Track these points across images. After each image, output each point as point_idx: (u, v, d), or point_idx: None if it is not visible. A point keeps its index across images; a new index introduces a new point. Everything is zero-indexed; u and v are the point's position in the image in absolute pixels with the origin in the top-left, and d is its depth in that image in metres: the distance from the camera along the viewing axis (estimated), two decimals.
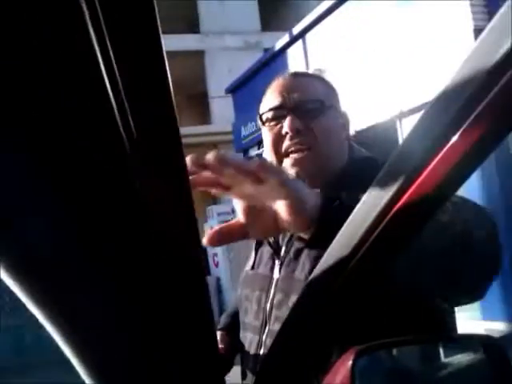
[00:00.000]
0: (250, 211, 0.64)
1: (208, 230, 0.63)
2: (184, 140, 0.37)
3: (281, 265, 0.90)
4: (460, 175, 0.39)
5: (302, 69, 4.44)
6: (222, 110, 11.63)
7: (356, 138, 1.01)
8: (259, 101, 0.99)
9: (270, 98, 0.95)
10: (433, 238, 0.57)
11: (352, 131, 1.00)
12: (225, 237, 0.63)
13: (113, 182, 0.35)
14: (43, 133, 0.32)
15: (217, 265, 7.52)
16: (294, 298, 0.80)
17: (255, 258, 0.99)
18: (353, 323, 0.51)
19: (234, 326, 1.07)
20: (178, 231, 0.39)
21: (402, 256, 0.46)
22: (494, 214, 0.74)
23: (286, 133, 0.90)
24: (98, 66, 0.31)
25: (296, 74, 0.99)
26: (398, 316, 0.70)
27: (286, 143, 0.91)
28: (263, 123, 0.95)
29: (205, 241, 0.59)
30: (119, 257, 0.37)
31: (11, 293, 0.36)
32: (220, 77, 11.81)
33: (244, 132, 8.73)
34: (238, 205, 0.64)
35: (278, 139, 0.92)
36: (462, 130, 0.36)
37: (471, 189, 3.90)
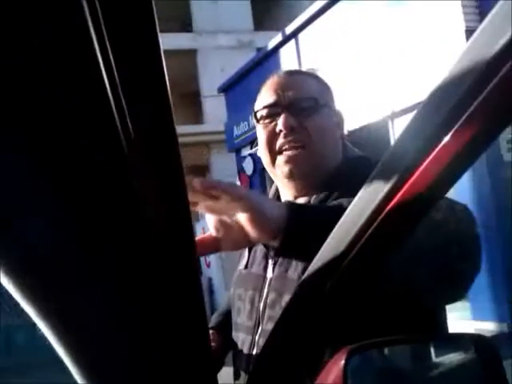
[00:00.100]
0: (220, 225, 0.69)
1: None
2: None
3: (274, 264, 0.90)
4: (452, 175, 0.39)
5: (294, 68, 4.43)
6: (215, 110, 11.61)
7: (348, 138, 1.01)
8: (252, 100, 0.99)
9: (265, 96, 0.95)
10: (423, 236, 0.57)
11: (345, 131, 1.00)
12: (198, 250, 0.65)
13: (112, 182, 0.35)
14: (43, 133, 0.32)
15: (209, 265, 7.51)
16: (287, 298, 0.80)
17: (248, 257, 0.99)
18: (345, 322, 0.51)
19: (225, 324, 1.07)
20: (173, 230, 0.39)
21: (394, 255, 0.47)
22: (485, 214, 0.75)
23: (280, 130, 0.90)
24: (97, 67, 0.31)
25: (291, 72, 0.99)
26: (390, 315, 0.70)
27: (280, 141, 0.91)
28: (257, 121, 0.95)
29: None
30: (118, 256, 0.37)
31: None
32: (213, 76, 11.79)
33: (236, 131, 8.72)
34: (209, 219, 0.70)
35: (272, 137, 0.92)
36: (453, 130, 0.36)
37: (462, 189, 3.92)
